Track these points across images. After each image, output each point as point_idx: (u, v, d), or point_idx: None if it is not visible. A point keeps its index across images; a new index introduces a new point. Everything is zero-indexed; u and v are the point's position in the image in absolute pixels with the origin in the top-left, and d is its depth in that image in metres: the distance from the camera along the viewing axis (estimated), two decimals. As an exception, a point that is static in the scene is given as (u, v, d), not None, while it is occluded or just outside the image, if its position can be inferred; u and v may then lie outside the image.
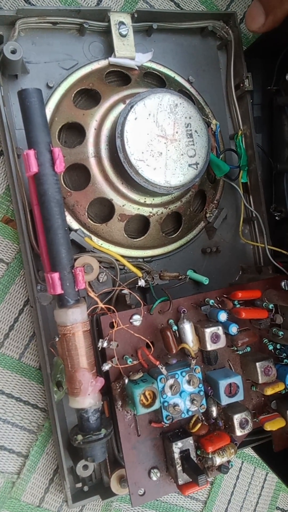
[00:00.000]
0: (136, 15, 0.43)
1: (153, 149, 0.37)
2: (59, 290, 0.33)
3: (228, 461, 0.38)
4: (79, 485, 0.40)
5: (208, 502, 0.50)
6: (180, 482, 0.36)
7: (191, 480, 0.35)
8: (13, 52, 0.37)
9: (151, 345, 0.37)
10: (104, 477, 0.42)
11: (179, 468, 0.36)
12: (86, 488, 0.41)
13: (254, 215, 0.47)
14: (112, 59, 0.42)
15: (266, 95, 0.46)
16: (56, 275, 0.33)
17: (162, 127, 0.37)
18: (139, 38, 0.45)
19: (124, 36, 0.43)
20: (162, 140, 0.37)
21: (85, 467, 0.39)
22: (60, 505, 0.44)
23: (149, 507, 0.48)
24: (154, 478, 0.37)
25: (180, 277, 0.42)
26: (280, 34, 0.42)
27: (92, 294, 0.35)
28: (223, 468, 0.37)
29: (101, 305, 0.35)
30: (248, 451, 0.53)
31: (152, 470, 0.37)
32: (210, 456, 0.36)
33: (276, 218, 0.46)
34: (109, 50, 0.43)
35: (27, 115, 0.33)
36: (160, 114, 0.37)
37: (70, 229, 0.41)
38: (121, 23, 0.42)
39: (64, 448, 0.40)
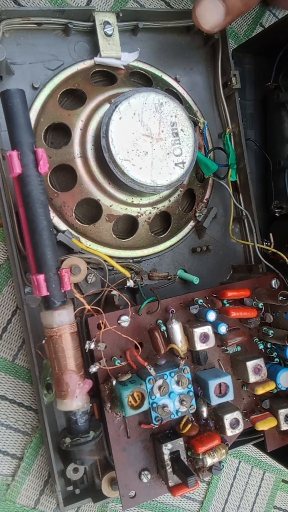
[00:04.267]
0: (121, 15, 0.42)
1: (139, 148, 0.37)
2: (44, 292, 0.33)
3: (220, 462, 0.38)
4: (70, 488, 0.40)
5: (205, 502, 0.50)
6: (170, 484, 0.35)
7: (181, 481, 0.35)
8: (-4, 53, 0.37)
9: (139, 346, 0.36)
10: (96, 480, 0.42)
11: (169, 470, 0.35)
12: (77, 491, 0.41)
13: (244, 214, 0.47)
14: (97, 59, 0.42)
15: (258, 91, 0.46)
16: (41, 277, 0.33)
17: (147, 126, 0.37)
18: (125, 37, 0.45)
19: (110, 35, 0.42)
20: (148, 140, 0.37)
21: (75, 470, 0.39)
22: (55, 506, 0.44)
23: (145, 507, 0.47)
24: (145, 480, 0.36)
25: (170, 277, 0.42)
26: (279, 31, 0.42)
27: (78, 296, 0.35)
28: (214, 469, 0.37)
29: (87, 306, 0.34)
30: (245, 450, 0.52)
31: (142, 472, 0.37)
32: (200, 457, 0.36)
33: (276, 214, 0.45)
34: (95, 50, 0.43)
35: (9, 116, 0.33)
36: (145, 113, 0.37)
37: (58, 231, 0.41)
38: (106, 22, 0.42)
39: (54, 451, 0.39)
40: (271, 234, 0.44)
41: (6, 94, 0.33)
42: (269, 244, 0.44)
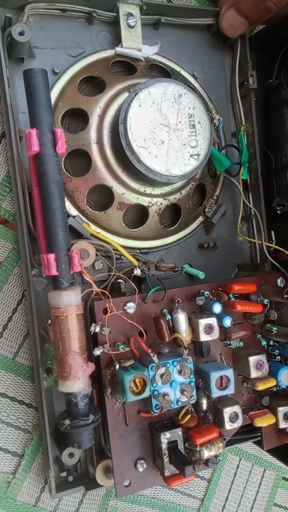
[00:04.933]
0: (144, 7, 0.43)
1: (156, 137, 0.37)
2: (54, 272, 0.33)
3: (216, 456, 0.37)
4: (64, 474, 0.40)
5: (205, 500, 0.50)
6: (166, 474, 0.35)
7: (177, 472, 0.35)
8: (21, 33, 0.37)
9: (144, 333, 0.36)
10: (90, 468, 0.41)
11: (166, 459, 0.35)
12: (70, 478, 0.41)
13: (252, 213, 0.47)
14: (119, 49, 0.43)
15: (260, 88, 0.47)
16: (52, 256, 0.33)
17: (165, 116, 0.37)
18: (146, 31, 0.45)
19: (132, 27, 0.43)
20: (165, 129, 0.37)
21: (71, 455, 0.38)
22: (56, 504, 0.44)
23: (146, 504, 0.47)
24: (140, 469, 0.36)
25: (176, 268, 0.42)
26: (281, 28, 0.42)
27: (87, 277, 0.35)
28: (211, 463, 0.37)
29: (96, 288, 0.34)
30: (246, 448, 0.52)
31: (138, 461, 0.36)
32: (198, 449, 0.36)
33: (278, 212, 0.46)
34: (116, 40, 0.44)
35: (31, 94, 0.33)
36: (164, 103, 0.37)
37: (68, 215, 0.41)
38: (130, 14, 0.43)
39: (50, 436, 0.39)
40: (272, 232, 0.44)
41: (29, 73, 0.33)
42: (271, 242, 0.44)
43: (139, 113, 0.36)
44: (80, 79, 0.41)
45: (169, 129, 0.37)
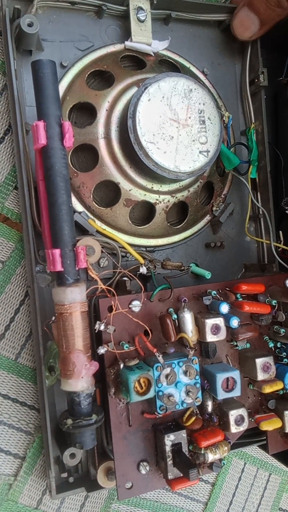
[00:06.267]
0: (155, 2, 0.42)
1: (165, 132, 0.36)
2: (59, 267, 0.32)
3: (220, 460, 0.37)
4: (65, 475, 0.39)
5: (209, 504, 0.49)
6: (170, 477, 0.34)
7: (181, 475, 0.34)
8: (30, 25, 0.36)
9: (149, 332, 0.35)
10: (91, 470, 0.40)
11: (169, 462, 0.34)
12: (71, 479, 0.40)
13: (261, 212, 0.46)
14: (128, 43, 0.42)
15: (270, 87, 0.46)
16: (57, 252, 0.32)
17: (175, 111, 0.37)
18: (156, 26, 0.44)
19: (142, 21, 0.42)
20: (174, 124, 0.37)
21: (72, 455, 0.37)
22: (58, 507, 0.43)
23: (148, 508, 0.46)
24: (143, 472, 0.35)
25: (183, 267, 0.41)
26: None
27: (93, 274, 0.34)
28: (215, 466, 0.36)
29: (101, 285, 0.34)
30: (251, 452, 0.51)
31: (141, 463, 0.36)
32: (202, 452, 0.35)
33: (287, 211, 0.45)
34: (126, 35, 0.43)
35: (39, 86, 0.32)
36: (174, 98, 0.37)
37: (74, 211, 0.40)
38: (140, 8, 0.42)
39: (51, 436, 0.38)
40: (281, 232, 0.43)
41: (38, 64, 0.32)
42: (279, 242, 0.43)
43: (149, 107, 0.36)
44: (88, 73, 0.40)
45: (178, 125, 0.37)
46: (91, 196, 0.40)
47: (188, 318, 0.36)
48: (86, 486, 0.39)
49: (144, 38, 0.42)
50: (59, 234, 0.33)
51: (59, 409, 0.40)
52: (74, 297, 0.33)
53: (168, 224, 0.43)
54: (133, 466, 0.36)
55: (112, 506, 0.45)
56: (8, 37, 0.37)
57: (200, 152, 0.37)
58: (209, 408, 0.37)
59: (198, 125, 0.37)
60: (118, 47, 0.43)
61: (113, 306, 0.34)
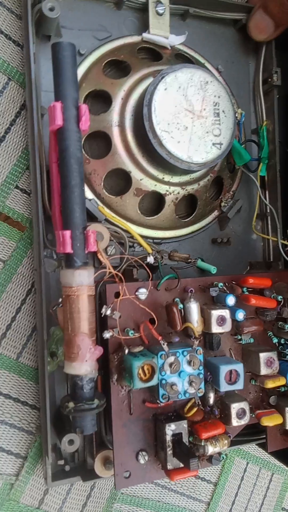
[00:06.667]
0: (174, -4, 0.43)
1: (179, 122, 0.36)
2: (68, 249, 0.32)
3: (219, 453, 0.36)
4: (62, 462, 0.38)
5: (212, 503, 0.49)
6: (169, 467, 0.34)
7: (180, 465, 0.34)
8: (51, 9, 0.36)
9: (156, 319, 0.35)
10: (88, 459, 0.40)
11: (169, 452, 0.34)
12: (67, 468, 0.39)
13: (268, 210, 0.47)
14: (146, 35, 0.42)
15: (282, 87, 0.46)
16: (67, 233, 0.32)
17: (190, 102, 0.37)
18: (174, 21, 0.45)
19: (160, 15, 0.42)
20: (189, 115, 0.37)
21: (71, 442, 0.37)
22: (59, 506, 0.43)
23: (151, 508, 0.46)
24: (142, 462, 0.35)
25: (190, 260, 0.41)
26: None
27: (102, 257, 0.34)
28: (214, 459, 0.36)
29: (111, 269, 0.34)
30: (253, 451, 0.51)
31: (140, 453, 0.35)
32: (202, 444, 0.35)
33: None
34: (144, 28, 0.43)
35: (58, 68, 0.32)
36: (190, 89, 0.37)
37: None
38: (159, 1, 0.42)
39: (50, 422, 0.38)
40: None
41: (58, 46, 0.32)
42: (286, 240, 0.43)
43: (165, 96, 0.36)
44: (105, 62, 0.41)
45: (193, 116, 0.37)
46: (102, 183, 0.40)
47: (194, 308, 0.35)
48: (82, 475, 0.39)
49: (162, 32, 0.43)
50: (71, 216, 0.32)
51: (58, 396, 0.40)
52: (82, 280, 0.32)
53: (176, 216, 0.43)
54: (131, 455, 0.35)
55: (114, 506, 0.45)
56: (29, 20, 0.37)
57: (213, 144, 0.37)
58: (211, 400, 0.36)
59: (212, 117, 0.37)
60: (135, 38, 0.43)
61: (120, 292, 0.34)
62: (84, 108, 0.32)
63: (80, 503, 0.43)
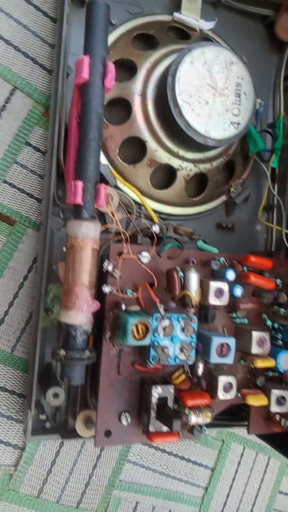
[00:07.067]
0: (208, -17, 0.44)
1: (201, 96, 0.37)
2: (79, 200, 0.33)
3: (201, 426, 0.36)
4: (43, 417, 0.38)
5: (209, 488, 0.49)
6: (151, 429, 0.34)
7: (162, 429, 0.34)
8: (89, -27, 0.38)
9: (156, 283, 0.36)
10: (70, 420, 0.40)
11: (153, 414, 0.34)
12: (48, 425, 0.39)
13: (276, 202, 0.47)
14: (177, 15, 0.43)
15: None
16: (79, 184, 0.33)
17: (214, 78, 0.38)
18: (205, 8, 0.46)
19: (193, -1, 0.44)
20: (211, 91, 0.38)
21: (56, 395, 0.37)
22: (59, 495, 0.43)
23: (149, 494, 0.47)
24: (124, 423, 0.35)
25: (194, 236, 0.42)
26: None
27: (112, 214, 0.34)
28: (196, 430, 0.36)
29: (118, 225, 0.34)
30: (250, 436, 0.52)
31: (123, 413, 0.35)
32: (186, 412, 0.35)
33: None
34: (175, 9, 0.44)
35: (91, 25, 0.33)
36: (215, 66, 0.38)
37: (98, 162, 0.40)
38: (193, -15, 0.44)
39: (37, 376, 0.38)
40: None
41: (94, 4, 0.33)
42: None
43: (190, 69, 0.37)
44: (135, 34, 0.42)
45: (215, 92, 0.38)
46: (117, 149, 0.41)
47: (194, 277, 0.36)
48: (62, 433, 0.39)
49: (193, 14, 0.44)
50: (84, 168, 0.33)
51: (47, 354, 0.40)
52: (88, 232, 0.33)
53: (186, 194, 0.44)
54: (115, 415, 0.35)
55: (113, 493, 0.45)
56: (66, -18, 0.39)
57: (231, 122, 0.38)
58: (200, 371, 0.36)
59: (233, 97, 0.38)
60: (166, 17, 0.44)
61: (124, 251, 0.35)
62: (111, 66, 0.33)
63: (79, 491, 0.44)
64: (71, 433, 0.39)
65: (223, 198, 0.47)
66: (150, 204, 0.43)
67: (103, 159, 0.41)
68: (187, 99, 0.37)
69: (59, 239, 0.41)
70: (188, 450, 0.49)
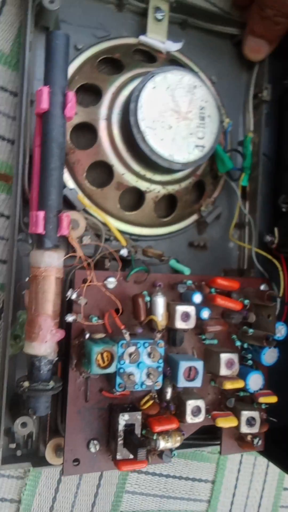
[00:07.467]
0: (174, 5, 0.44)
1: (165, 120, 0.37)
2: (40, 230, 0.33)
3: (171, 450, 0.36)
4: (13, 446, 0.38)
5: (212, 501, 0.49)
6: (118, 457, 0.34)
7: (130, 457, 0.34)
8: (51, 1, 0.38)
9: (120, 310, 0.36)
10: (41, 447, 0.40)
11: (120, 442, 0.34)
12: (19, 453, 0.39)
13: (247, 220, 0.48)
14: (143, 38, 0.44)
15: (275, 90, 0.48)
16: (41, 214, 0.33)
17: (177, 103, 0.38)
18: (173, 29, 0.46)
19: (159, 20, 0.44)
20: (175, 115, 0.38)
21: (24, 424, 0.37)
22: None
23: None
24: (93, 450, 0.35)
25: (163, 258, 0.42)
26: None
27: (73, 242, 0.34)
28: (165, 455, 0.36)
29: (81, 254, 0.34)
30: None
31: (92, 441, 0.35)
32: (154, 438, 0.35)
33: (283, 209, 0.45)
34: (142, 31, 0.44)
35: (50, 55, 0.33)
36: (178, 91, 0.38)
37: (65, 186, 0.40)
38: (159, 8, 0.44)
39: (6, 404, 0.38)
40: (276, 229, 0.44)
41: (53, 35, 0.34)
42: (273, 239, 0.44)
43: (152, 94, 0.37)
44: (100, 58, 0.42)
45: (178, 116, 0.38)
46: (85, 174, 0.41)
47: (160, 302, 0.36)
48: (33, 461, 0.39)
49: (159, 37, 0.44)
50: (46, 197, 0.33)
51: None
52: (50, 261, 0.33)
53: (155, 215, 0.44)
54: (83, 443, 0.35)
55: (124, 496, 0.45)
56: (29, 10, 0.39)
57: (196, 146, 0.39)
58: (168, 395, 0.37)
59: (197, 120, 0.39)
60: (132, 40, 0.44)
61: (88, 277, 0.35)
62: (71, 95, 0.34)
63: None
64: (43, 461, 0.38)
65: (194, 217, 0.47)
66: (120, 226, 0.43)
67: (70, 183, 0.41)
68: (150, 125, 0.37)
69: (28, 264, 0.40)
70: (185, 469, 0.49)
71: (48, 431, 0.39)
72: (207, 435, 0.43)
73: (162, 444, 0.35)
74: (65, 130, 0.34)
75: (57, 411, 0.39)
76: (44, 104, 0.33)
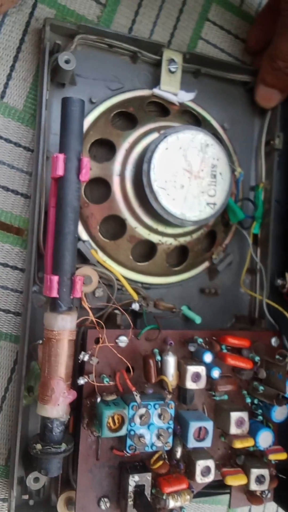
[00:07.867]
0: (187, 56, 0.45)
1: (176, 180, 0.38)
2: (54, 294, 0.33)
3: (181, 507, 0.37)
4: (26, 497, 0.39)
5: None
6: (128, 517, 0.34)
7: (140, 518, 0.34)
8: (67, 62, 0.39)
9: (131, 370, 0.36)
10: (52, 496, 0.40)
11: (130, 503, 0.34)
12: (31, 502, 0.40)
13: (258, 268, 0.48)
14: (156, 91, 0.44)
15: (286, 138, 0.48)
16: (55, 278, 0.33)
17: (189, 162, 0.38)
18: (186, 77, 0.47)
19: (173, 72, 0.45)
20: (187, 174, 0.38)
21: (36, 479, 0.38)
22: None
23: None
24: (103, 507, 0.35)
25: (174, 310, 0.42)
26: None
27: (86, 305, 0.35)
28: (175, 513, 0.36)
29: (92, 317, 0.35)
30: None
31: (102, 499, 0.36)
32: (164, 498, 0.35)
33: None
34: (155, 82, 0.45)
35: (66, 121, 0.34)
36: (190, 150, 0.38)
37: (79, 239, 0.41)
38: (172, 60, 0.44)
39: (19, 456, 0.38)
40: (287, 273, 0.44)
41: (68, 101, 0.34)
42: (284, 283, 0.44)
43: (165, 155, 0.38)
44: (114, 112, 0.43)
45: (190, 175, 0.38)
46: (98, 227, 0.41)
47: (171, 362, 0.36)
48: (45, 510, 0.39)
49: (172, 88, 0.45)
50: (60, 262, 0.34)
51: (31, 430, 0.41)
52: (64, 325, 0.34)
53: (167, 265, 0.44)
54: (94, 500, 0.36)
55: None
56: (45, 69, 0.40)
57: (207, 203, 0.39)
58: (178, 455, 0.37)
59: (209, 178, 0.39)
60: (146, 92, 0.45)
61: (100, 339, 0.35)
62: (86, 161, 0.34)
63: None
64: (55, 510, 0.39)
65: (206, 264, 0.47)
66: (133, 276, 0.44)
67: (84, 235, 0.42)
68: (163, 185, 0.37)
69: (42, 316, 0.41)
70: (197, 512, 0.49)
71: (60, 481, 0.40)
72: (217, 481, 0.43)
73: (172, 503, 0.35)
74: (79, 194, 0.34)
75: (68, 462, 0.39)
76: (60, 171, 0.34)
